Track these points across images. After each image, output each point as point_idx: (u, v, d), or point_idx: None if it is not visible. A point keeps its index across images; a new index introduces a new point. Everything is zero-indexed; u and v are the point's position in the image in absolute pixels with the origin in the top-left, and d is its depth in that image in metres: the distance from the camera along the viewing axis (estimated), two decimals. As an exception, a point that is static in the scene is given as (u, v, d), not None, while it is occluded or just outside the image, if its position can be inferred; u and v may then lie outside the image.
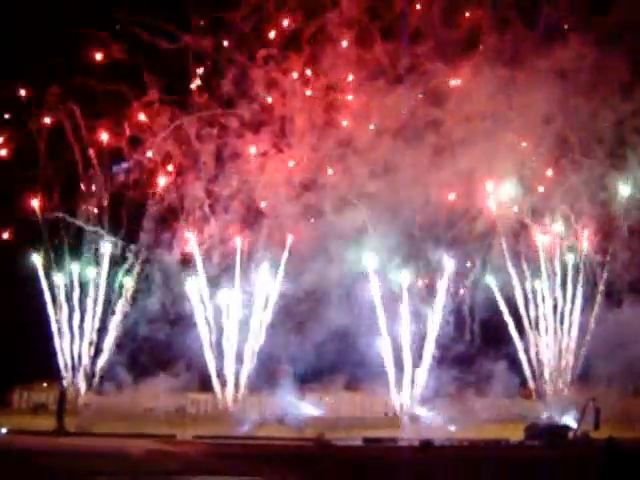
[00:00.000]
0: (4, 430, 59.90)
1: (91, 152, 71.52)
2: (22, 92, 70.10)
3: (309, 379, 67.95)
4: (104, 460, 51.89)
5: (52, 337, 70.27)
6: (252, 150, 71.24)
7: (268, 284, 70.78)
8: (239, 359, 70.28)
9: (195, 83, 71.28)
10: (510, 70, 67.46)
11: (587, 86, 66.65)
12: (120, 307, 71.29)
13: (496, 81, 66.73)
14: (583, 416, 58.45)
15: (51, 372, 70.13)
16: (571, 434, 57.97)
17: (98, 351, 70.81)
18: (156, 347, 67.47)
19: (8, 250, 69.01)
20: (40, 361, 68.57)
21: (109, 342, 70.92)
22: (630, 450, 51.48)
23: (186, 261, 71.31)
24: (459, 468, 51.34)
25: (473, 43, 69.27)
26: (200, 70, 71.27)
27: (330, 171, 70.55)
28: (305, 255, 68.95)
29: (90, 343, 70.41)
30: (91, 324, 70.61)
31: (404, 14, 69.31)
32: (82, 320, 70.67)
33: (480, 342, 69.23)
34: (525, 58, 67.90)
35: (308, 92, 71.23)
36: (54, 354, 70.42)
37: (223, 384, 70.30)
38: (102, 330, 71.02)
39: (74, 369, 70.44)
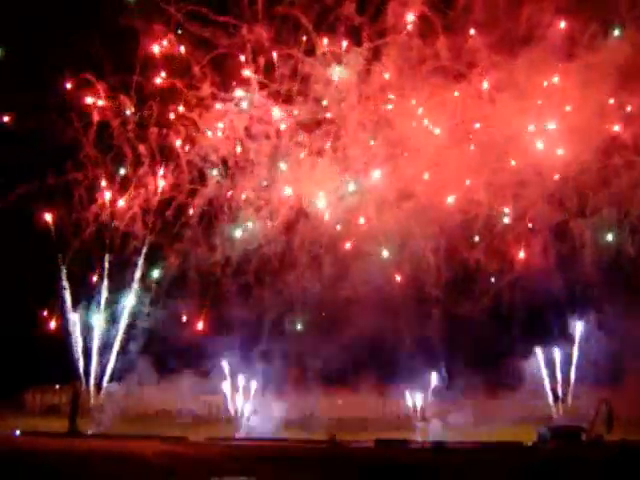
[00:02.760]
0: (17, 431, 60.23)
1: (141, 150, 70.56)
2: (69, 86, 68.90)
3: (327, 381, 67.89)
4: (116, 461, 52.12)
5: (66, 339, 70.20)
6: (304, 150, 69.89)
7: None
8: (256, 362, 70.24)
9: (252, 78, 69.70)
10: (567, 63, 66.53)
11: None
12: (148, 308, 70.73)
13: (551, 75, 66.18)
14: (596, 418, 58.07)
15: (64, 374, 70.04)
16: (584, 436, 57.53)
17: (114, 352, 70.67)
18: (179, 349, 67.05)
19: (31, 251, 68.78)
20: (53, 363, 68.50)
21: (134, 344, 69.99)
22: (643, 452, 51.17)
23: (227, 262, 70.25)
24: (471, 471, 51.11)
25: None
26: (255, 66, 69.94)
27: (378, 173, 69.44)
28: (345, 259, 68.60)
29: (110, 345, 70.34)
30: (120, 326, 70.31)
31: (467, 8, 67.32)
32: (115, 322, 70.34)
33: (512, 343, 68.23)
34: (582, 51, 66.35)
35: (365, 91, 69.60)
36: (68, 355, 70.35)
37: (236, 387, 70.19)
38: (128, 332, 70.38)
39: (87, 371, 70.37)
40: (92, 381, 69.61)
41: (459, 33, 67.88)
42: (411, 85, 68.75)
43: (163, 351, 66.94)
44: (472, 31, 67.57)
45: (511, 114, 66.73)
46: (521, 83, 66.87)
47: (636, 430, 57.56)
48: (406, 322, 67.84)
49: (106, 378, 69.42)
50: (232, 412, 68.53)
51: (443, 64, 68.00)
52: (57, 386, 71.24)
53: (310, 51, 69.37)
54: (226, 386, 68.85)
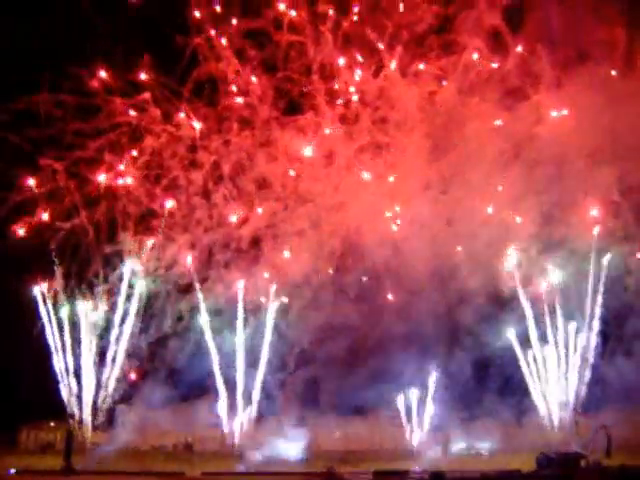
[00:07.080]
0: (12, 470, 59.49)
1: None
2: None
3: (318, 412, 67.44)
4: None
5: (58, 376, 69.49)
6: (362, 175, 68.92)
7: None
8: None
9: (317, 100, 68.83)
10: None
11: None
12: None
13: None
14: (595, 444, 57.98)
15: (58, 411, 69.26)
16: (583, 462, 57.32)
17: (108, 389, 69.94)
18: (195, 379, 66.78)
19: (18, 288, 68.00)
20: (47, 400, 67.89)
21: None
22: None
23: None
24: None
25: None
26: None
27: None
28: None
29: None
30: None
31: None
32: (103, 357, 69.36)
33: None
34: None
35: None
36: (61, 393, 69.59)
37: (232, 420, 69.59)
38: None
39: (81, 408, 69.57)
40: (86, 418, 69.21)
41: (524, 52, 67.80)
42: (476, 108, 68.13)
43: (176, 380, 66.60)
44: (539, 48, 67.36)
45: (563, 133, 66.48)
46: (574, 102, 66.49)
47: (634, 455, 57.56)
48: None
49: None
50: (231, 446, 68.36)
51: (510, 85, 67.89)
52: (52, 423, 70.64)
53: (377, 70, 68.94)
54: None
